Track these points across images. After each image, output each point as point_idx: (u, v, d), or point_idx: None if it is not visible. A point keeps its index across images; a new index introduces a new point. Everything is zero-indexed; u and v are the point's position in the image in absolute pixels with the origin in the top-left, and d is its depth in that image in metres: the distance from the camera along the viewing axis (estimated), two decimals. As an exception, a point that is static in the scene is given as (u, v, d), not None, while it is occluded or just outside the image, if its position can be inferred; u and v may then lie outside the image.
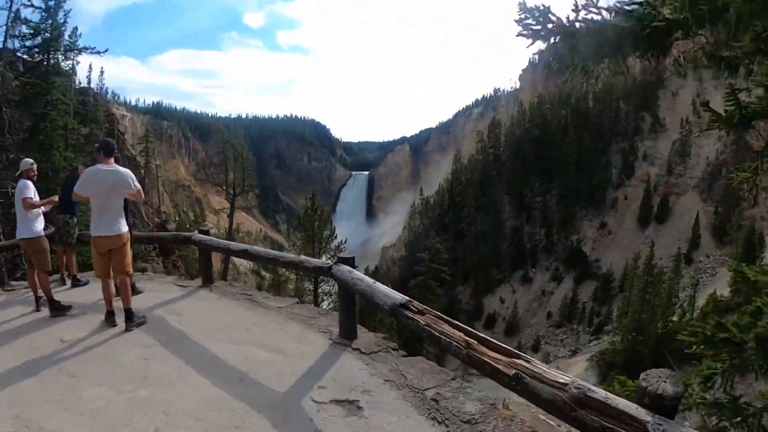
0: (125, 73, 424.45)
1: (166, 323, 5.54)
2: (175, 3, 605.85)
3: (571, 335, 56.04)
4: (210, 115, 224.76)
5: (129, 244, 5.74)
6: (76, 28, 22.08)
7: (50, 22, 18.75)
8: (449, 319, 3.38)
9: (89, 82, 32.47)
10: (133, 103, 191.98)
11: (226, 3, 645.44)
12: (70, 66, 27.37)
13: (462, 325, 3.27)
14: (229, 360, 4.42)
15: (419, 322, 3.46)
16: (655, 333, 30.19)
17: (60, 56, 21.72)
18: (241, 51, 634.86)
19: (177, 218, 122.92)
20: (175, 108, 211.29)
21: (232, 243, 7.35)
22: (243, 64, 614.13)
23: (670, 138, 74.41)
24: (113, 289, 5.62)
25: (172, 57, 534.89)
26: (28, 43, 18.83)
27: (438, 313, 3.50)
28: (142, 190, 5.82)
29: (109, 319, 5.47)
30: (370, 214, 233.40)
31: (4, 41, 15.64)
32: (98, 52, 21.33)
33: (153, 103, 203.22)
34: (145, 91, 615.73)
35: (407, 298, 3.81)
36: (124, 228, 5.64)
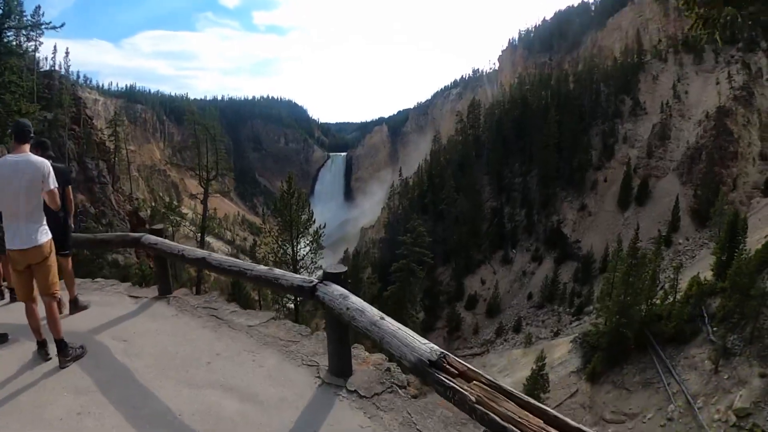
0: (97, 57, 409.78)
1: (110, 355, 4.39)
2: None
3: (552, 316, 56.08)
4: (185, 97, 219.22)
5: (53, 256, 4.45)
6: (38, 7, 20.37)
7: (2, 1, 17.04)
8: (510, 389, 2.22)
9: (54, 65, 30.28)
10: (106, 87, 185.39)
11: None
12: (33, 47, 25.52)
13: (533, 402, 2.13)
14: (184, 414, 3.35)
15: (466, 395, 2.22)
16: (638, 315, 29.97)
17: (13, 35, 20.12)
18: (217, 31, 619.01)
19: (154, 203, 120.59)
20: (149, 91, 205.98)
21: (189, 249, 5.79)
22: (219, 46, 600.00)
23: (650, 121, 74.52)
24: (41, 314, 4.41)
25: (146, 39, 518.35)
26: None
27: (489, 378, 2.33)
28: (57, 195, 4.41)
29: (41, 350, 4.34)
30: (349, 195, 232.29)
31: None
32: (54, 28, 19.69)
33: (126, 86, 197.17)
34: (119, 74, 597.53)
35: (439, 349, 2.63)
36: (45, 237, 4.35)
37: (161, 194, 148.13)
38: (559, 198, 70.48)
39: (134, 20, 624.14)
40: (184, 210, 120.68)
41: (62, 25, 23.40)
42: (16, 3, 17.60)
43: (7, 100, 16.70)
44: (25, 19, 19.16)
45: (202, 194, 37.75)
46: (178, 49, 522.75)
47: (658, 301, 31.57)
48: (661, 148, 69.32)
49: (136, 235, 6.68)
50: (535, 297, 60.28)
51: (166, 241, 6.23)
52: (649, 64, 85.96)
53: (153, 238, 6.18)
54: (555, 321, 54.36)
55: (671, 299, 31.85)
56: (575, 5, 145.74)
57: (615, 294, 30.83)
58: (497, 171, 79.21)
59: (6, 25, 17.45)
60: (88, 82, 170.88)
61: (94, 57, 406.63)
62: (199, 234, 39.40)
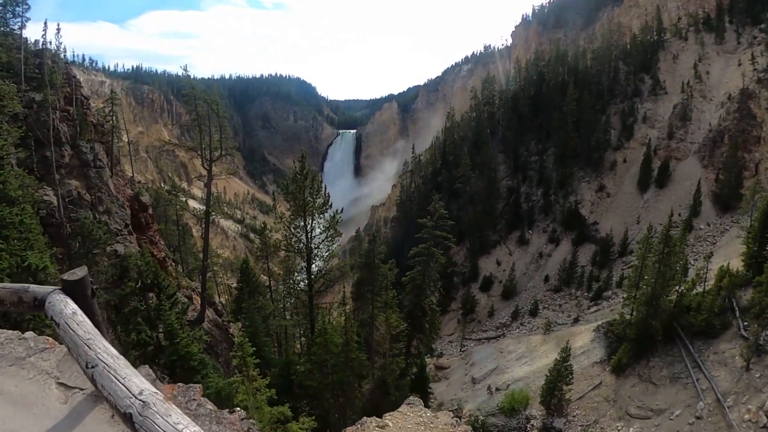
0: (103, 39, 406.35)
1: None
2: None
3: (570, 300, 54.68)
4: (192, 76, 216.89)
5: None
6: None
7: None
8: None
9: (45, 44, 28.65)
10: (112, 69, 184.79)
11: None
12: (19, 24, 23.96)
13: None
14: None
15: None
16: (667, 306, 28.44)
17: None
18: (223, 9, 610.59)
19: (162, 184, 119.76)
20: (156, 71, 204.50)
21: None
22: (225, 24, 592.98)
23: (670, 101, 71.80)
24: None
25: (151, 19, 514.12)
26: None
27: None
28: None
29: None
30: (358, 172, 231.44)
31: None
32: None
33: (132, 67, 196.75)
34: (125, 56, 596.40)
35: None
36: None
37: (170, 175, 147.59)
38: (576, 178, 68.42)
39: (139, 1, 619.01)
40: (194, 190, 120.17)
41: None
42: None
43: None
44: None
45: (206, 176, 35.96)
46: (184, 28, 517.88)
47: (684, 290, 29.91)
48: (681, 129, 66.83)
49: (41, 291, 3.23)
50: (552, 280, 58.81)
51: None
52: (668, 42, 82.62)
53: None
54: (573, 305, 52.95)
55: (700, 289, 30.15)
56: None
57: (644, 283, 29.23)
58: (513, 149, 77.35)
59: None
60: (93, 64, 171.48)
61: (100, 39, 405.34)
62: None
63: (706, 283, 30.41)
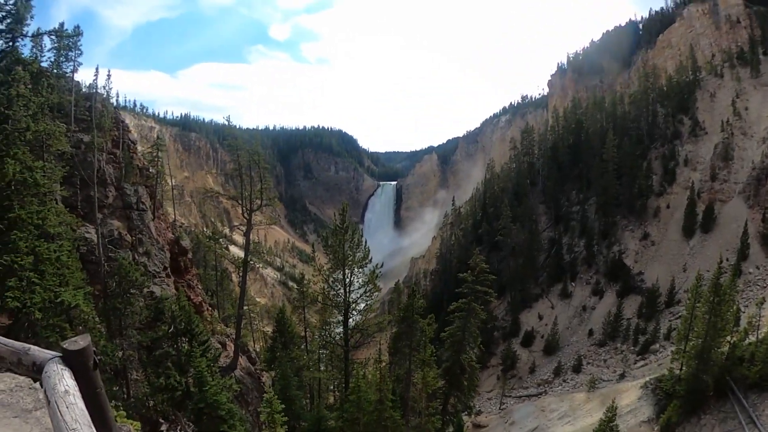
0: (155, 88, 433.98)
1: None
2: (201, 17, 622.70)
3: (615, 355, 51.74)
4: (238, 126, 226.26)
5: None
6: (62, 23, 20.27)
7: (13, 2, 16.44)
8: None
9: (96, 88, 30.52)
10: (162, 115, 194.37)
11: (252, 16, 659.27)
12: (72, 68, 25.51)
13: None
14: None
15: None
16: (719, 359, 26.53)
17: (54, 54, 19.75)
18: (268, 63, 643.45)
19: (205, 228, 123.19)
20: (203, 120, 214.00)
21: None
22: (270, 77, 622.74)
23: (711, 141, 69.65)
24: None
25: (200, 70, 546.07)
26: None
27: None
28: None
29: None
30: (398, 224, 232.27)
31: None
32: (71, 36, 19.45)
33: (181, 115, 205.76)
34: (175, 104, 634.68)
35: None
36: None
37: (213, 219, 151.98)
38: (619, 227, 66.29)
39: (190, 53, 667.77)
40: (235, 236, 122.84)
41: (78, 29, 23.37)
42: (26, 8, 16.83)
43: (18, 117, 15.66)
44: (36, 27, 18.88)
45: (245, 225, 36.31)
46: (231, 80, 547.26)
47: (736, 341, 27.97)
48: (724, 169, 64.45)
49: (41, 356, 3.08)
50: (596, 334, 56.05)
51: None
52: (704, 80, 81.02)
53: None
54: (618, 361, 50.07)
55: (753, 338, 28.16)
56: (623, 24, 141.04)
57: (694, 334, 27.53)
58: (554, 199, 76.09)
59: (18, 33, 16.68)
60: (144, 110, 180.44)
61: (152, 87, 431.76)
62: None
63: (759, 331, 28.43)
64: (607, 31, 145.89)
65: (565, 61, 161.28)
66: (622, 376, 44.31)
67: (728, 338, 27.24)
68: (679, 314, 40.13)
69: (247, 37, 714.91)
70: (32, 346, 3.10)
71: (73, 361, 2.75)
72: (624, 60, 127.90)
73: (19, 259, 14.83)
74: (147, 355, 22.34)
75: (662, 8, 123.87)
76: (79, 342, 2.82)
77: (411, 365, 27.96)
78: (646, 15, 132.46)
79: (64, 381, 2.58)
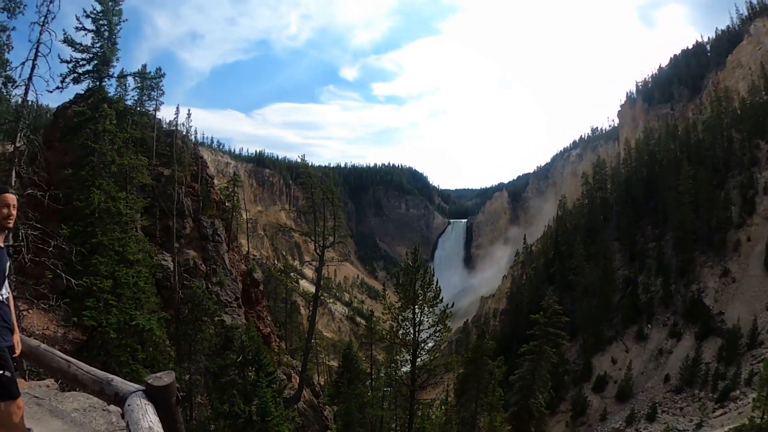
0: (231, 125, 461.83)
1: None
2: (274, 59, 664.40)
3: (693, 402, 47.55)
4: (310, 164, 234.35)
5: None
6: (144, 65, 22.80)
7: (100, 45, 17.80)
8: None
9: (177, 126, 33.75)
10: (237, 152, 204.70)
11: (323, 58, 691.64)
12: (154, 106, 28.57)
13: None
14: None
15: None
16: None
17: (137, 94, 21.84)
18: (339, 103, 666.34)
19: (276, 261, 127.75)
20: (277, 157, 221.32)
21: None
22: (341, 116, 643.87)
23: (790, 166, 64.00)
24: None
25: (274, 110, 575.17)
26: (80, 69, 17.91)
27: None
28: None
29: None
30: (469, 262, 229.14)
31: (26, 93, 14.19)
32: (153, 77, 21.76)
33: (256, 152, 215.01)
34: (250, 141, 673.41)
35: None
36: None
37: (284, 253, 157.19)
38: (697, 263, 61.77)
39: (264, 93, 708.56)
40: (306, 270, 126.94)
41: (160, 70, 26.17)
42: (112, 50, 18.17)
43: (104, 150, 17.07)
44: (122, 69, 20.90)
45: (318, 261, 37.40)
46: (303, 119, 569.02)
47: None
48: (808, 195, 59.05)
49: (124, 388, 3.20)
50: (673, 379, 52.02)
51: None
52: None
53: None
54: (696, 408, 46.10)
55: None
56: (690, 47, 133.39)
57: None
58: (629, 235, 72.56)
59: (104, 73, 18.19)
60: (221, 146, 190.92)
61: (228, 125, 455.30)
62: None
63: None
64: (675, 55, 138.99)
65: (633, 89, 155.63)
66: (699, 426, 41.01)
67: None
68: (762, 357, 37.03)
69: (318, 77, 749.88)
70: (115, 377, 3.24)
71: (156, 396, 2.82)
72: (694, 84, 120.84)
73: (98, 281, 15.87)
74: (213, 381, 23.68)
75: (728, 26, 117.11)
76: (164, 378, 2.88)
77: (477, 408, 27.69)
78: (711, 35, 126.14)
79: (148, 417, 2.64)
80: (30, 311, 16.17)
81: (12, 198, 3.38)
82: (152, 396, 2.81)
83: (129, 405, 2.76)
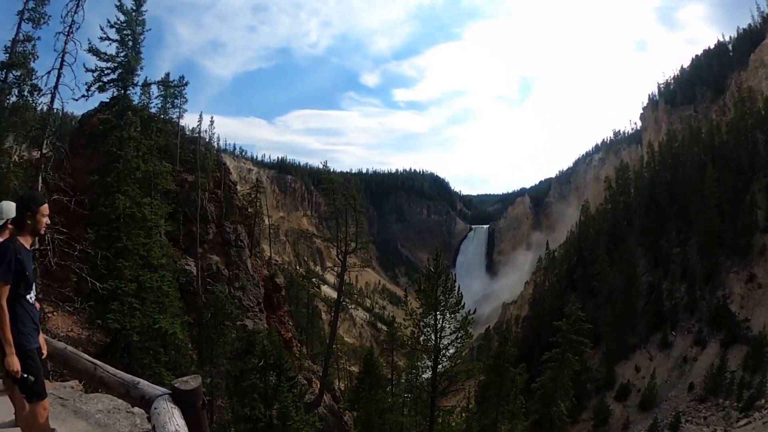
0: (253, 132, 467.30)
1: None
2: (295, 67, 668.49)
3: (717, 412, 46.30)
4: (332, 170, 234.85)
5: None
6: (168, 74, 23.11)
7: (124, 54, 18.25)
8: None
9: (200, 133, 34.50)
10: (260, 158, 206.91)
11: (343, 65, 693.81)
12: (177, 114, 29.26)
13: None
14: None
15: None
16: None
17: (161, 102, 22.27)
18: (360, 109, 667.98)
19: (298, 266, 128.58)
20: (299, 163, 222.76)
21: None
22: (362, 122, 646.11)
23: (817, 166, 62.06)
24: None
25: (296, 117, 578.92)
26: (105, 78, 18.35)
27: None
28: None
29: None
30: (491, 268, 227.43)
31: (52, 101, 14.78)
32: (177, 86, 22.20)
33: (278, 158, 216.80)
34: (272, 148, 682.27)
35: None
36: None
37: (306, 259, 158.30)
38: (723, 268, 60.15)
39: (285, 100, 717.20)
40: (327, 276, 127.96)
41: (184, 79, 26.90)
42: (136, 60, 18.53)
43: (129, 157, 17.44)
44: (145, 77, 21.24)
45: (340, 266, 37.63)
46: (325, 125, 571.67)
47: None
48: (835, 197, 57.07)
49: (150, 391, 3.29)
50: (697, 388, 50.79)
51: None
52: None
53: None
54: (720, 418, 44.97)
55: None
56: (711, 47, 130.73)
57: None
58: (653, 240, 71.13)
59: (129, 82, 18.64)
60: (243, 153, 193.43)
61: (251, 132, 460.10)
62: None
63: None
64: (697, 55, 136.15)
65: (656, 91, 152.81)
66: (722, 436, 40.41)
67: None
68: (787, 366, 36.21)
69: (338, 84, 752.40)
70: (141, 380, 3.29)
71: (183, 400, 2.86)
72: (717, 85, 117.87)
73: (123, 285, 16.17)
74: (234, 384, 24.20)
75: (749, 25, 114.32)
76: (191, 383, 2.91)
77: (498, 416, 27.37)
78: (733, 34, 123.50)
79: (175, 420, 2.67)
80: (55, 313, 16.72)
81: (47, 207, 3.79)
82: (178, 400, 2.88)
83: (155, 408, 2.82)
